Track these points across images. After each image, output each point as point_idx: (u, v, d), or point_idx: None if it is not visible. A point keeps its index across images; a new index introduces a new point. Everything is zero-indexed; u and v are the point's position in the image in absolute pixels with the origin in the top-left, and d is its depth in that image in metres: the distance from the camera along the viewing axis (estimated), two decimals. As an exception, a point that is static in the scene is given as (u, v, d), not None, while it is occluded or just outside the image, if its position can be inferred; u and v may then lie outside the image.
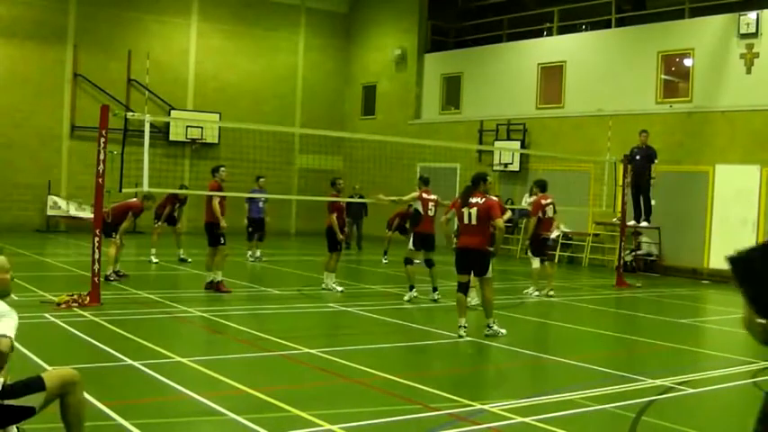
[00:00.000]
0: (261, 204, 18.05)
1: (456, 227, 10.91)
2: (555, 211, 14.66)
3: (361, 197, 20.19)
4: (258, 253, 18.18)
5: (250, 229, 18.15)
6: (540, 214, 14.34)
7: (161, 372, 7.37)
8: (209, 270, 13.29)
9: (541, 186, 14.61)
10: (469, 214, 9.91)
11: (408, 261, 13.04)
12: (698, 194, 19.11)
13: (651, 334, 11.19)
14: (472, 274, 10.06)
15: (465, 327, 9.85)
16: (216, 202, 13.06)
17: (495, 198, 10.30)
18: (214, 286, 13.03)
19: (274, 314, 11.80)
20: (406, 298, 12.87)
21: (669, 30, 20.41)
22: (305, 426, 5.86)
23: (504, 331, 10.05)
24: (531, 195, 15.17)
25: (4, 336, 4.37)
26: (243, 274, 15.75)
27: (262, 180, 18.08)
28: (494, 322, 10.02)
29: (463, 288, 9.97)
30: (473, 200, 9.97)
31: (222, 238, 13.10)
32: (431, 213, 13.09)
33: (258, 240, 18.17)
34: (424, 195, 13.09)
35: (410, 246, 13.27)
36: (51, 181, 23.42)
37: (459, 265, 10.05)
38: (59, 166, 23.98)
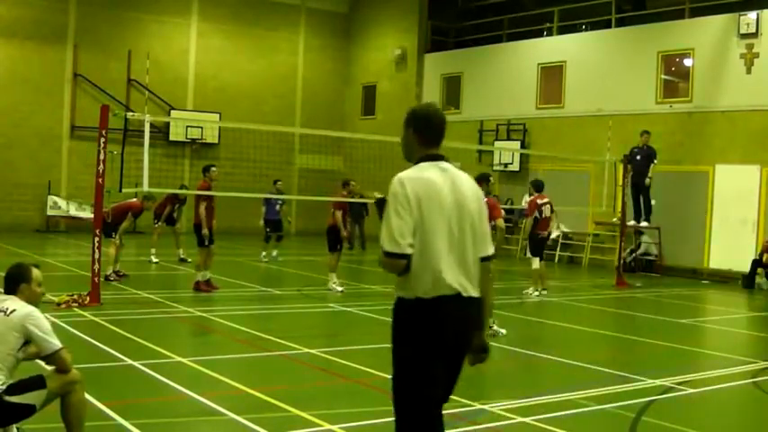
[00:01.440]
0: (278, 207, 18.47)
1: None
2: (552, 211, 14.66)
3: (361, 197, 20.20)
4: (275, 253, 18.50)
5: (268, 230, 18.38)
6: (537, 214, 14.35)
7: (161, 372, 7.38)
8: (207, 269, 13.29)
9: (537, 186, 14.62)
10: (470, 214, 9.89)
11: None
12: (698, 194, 19.10)
13: (651, 334, 11.18)
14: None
15: (465, 327, 9.84)
16: (202, 207, 12.93)
17: (494, 198, 10.30)
18: (211, 285, 13.09)
19: (274, 314, 11.81)
20: None
21: (669, 30, 20.40)
22: (305, 426, 5.87)
23: (503, 331, 10.06)
24: (530, 196, 15.21)
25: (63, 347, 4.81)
26: (243, 274, 15.75)
27: (279, 183, 18.74)
28: (494, 322, 10.01)
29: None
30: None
31: (206, 240, 13.03)
32: None
33: (276, 241, 18.59)
34: None
35: None
36: (51, 181, 23.41)
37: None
38: (59, 166, 23.97)
